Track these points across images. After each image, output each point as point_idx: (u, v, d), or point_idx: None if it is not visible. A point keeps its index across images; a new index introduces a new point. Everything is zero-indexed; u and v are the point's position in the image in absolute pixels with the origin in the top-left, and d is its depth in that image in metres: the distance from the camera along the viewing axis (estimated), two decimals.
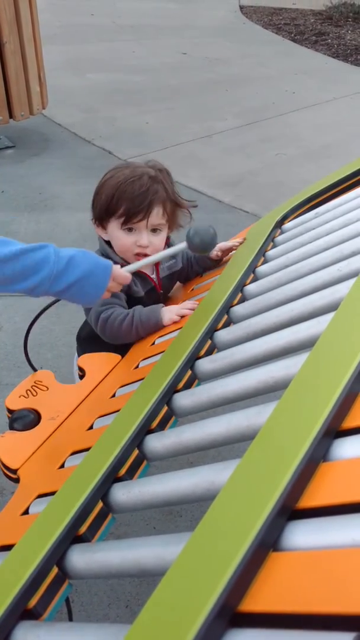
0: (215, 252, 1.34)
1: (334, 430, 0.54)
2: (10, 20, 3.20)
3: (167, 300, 1.37)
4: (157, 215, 1.22)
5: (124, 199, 1.20)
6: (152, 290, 1.30)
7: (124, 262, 1.20)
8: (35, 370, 1.15)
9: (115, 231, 1.24)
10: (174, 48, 5.93)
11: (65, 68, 5.11)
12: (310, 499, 0.48)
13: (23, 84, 3.43)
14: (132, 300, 1.24)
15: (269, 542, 0.45)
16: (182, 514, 1.52)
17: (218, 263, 1.38)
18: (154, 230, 1.24)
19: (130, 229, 1.22)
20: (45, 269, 0.89)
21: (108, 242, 1.28)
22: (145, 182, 1.21)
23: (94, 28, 6.42)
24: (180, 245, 1.11)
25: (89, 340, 1.30)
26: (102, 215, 1.24)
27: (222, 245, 1.35)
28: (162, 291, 1.34)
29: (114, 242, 1.26)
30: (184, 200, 1.31)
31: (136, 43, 6.03)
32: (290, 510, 0.48)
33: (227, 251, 1.36)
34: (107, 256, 1.21)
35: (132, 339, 1.17)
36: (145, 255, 1.22)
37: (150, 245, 1.23)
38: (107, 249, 1.27)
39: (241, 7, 7.63)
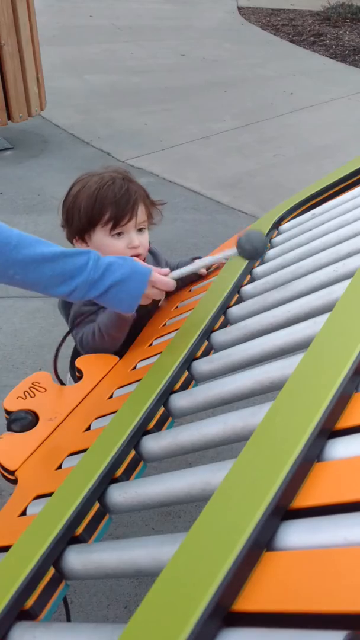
0: (202, 270, 1.32)
1: (328, 431, 0.55)
2: (8, 22, 3.21)
3: (157, 310, 1.35)
4: (142, 214, 1.21)
5: (107, 204, 1.16)
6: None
7: None
8: (63, 384, 1.15)
9: (103, 239, 1.19)
10: (172, 49, 5.94)
11: (64, 70, 5.12)
12: (304, 499, 0.48)
13: (21, 86, 3.43)
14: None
15: (262, 542, 0.46)
16: (181, 514, 1.52)
17: (202, 277, 1.37)
18: (140, 229, 1.22)
19: (119, 234, 1.19)
20: (82, 275, 0.89)
21: None
22: (121, 183, 1.19)
23: (92, 29, 6.44)
24: (230, 251, 1.03)
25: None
26: (83, 227, 1.20)
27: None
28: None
29: (104, 250, 1.17)
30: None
31: (134, 44, 6.04)
32: (284, 510, 0.48)
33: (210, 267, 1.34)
34: None
35: (116, 341, 1.15)
36: (138, 256, 1.20)
37: (140, 245, 1.21)
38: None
39: (239, 8, 7.65)
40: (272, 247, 1.32)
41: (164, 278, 1.01)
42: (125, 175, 1.24)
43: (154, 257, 1.33)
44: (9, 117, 3.45)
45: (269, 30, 6.83)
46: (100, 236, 1.19)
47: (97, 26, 6.57)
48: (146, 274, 0.96)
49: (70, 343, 1.47)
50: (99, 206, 1.17)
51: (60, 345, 1.18)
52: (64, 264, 0.88)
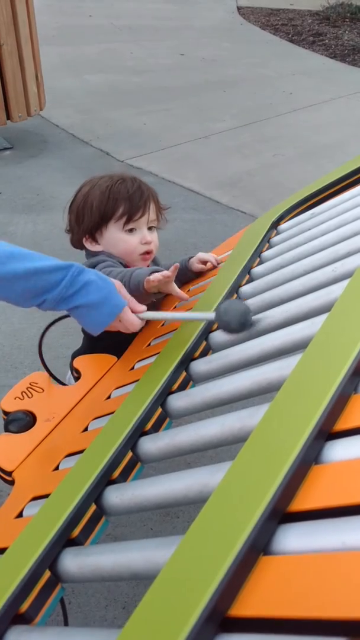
0: (196, 265, 1.33)
1: (326, 433, 0.54)
2: (7, 21, 3.20)
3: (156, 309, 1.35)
4: (153, 211, 1.21)
5: (121, 198, 1.17)
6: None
7: (122, 265, 1.20)
8: (56, 379, 1.14)
9: (116, 234, 1.19)
10: (172, 49, 5.93)
11: (63, 69, 5.12)
12: (302, 502, 0.48)
13: (20, 85, 3.43)
14: None
15: (259, 545, 0.45)
16: (179, 515, 1.51)
17: (199, 276, 1.37)
18: (150, 228, 1.23)
19: (131, 230, 1.19)
20: (54, 292, 0.88)
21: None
22: (132, 181, 1.20)
23: (91, 29, 6.43)
24: (209, 315, 0.93)
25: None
26: (95, 224, 1.20)
27: (201, 256, 1.34)
28: (154, 300, 1.32)
29: (116, 246, 1.21)
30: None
31: (134, 44, 6.03)
32: (281, 513, 0.48)
33: (204, 262, 1.33)
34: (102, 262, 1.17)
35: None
36: (150, 252, 1.21)
37: (152, 242, 1.21)
38: (104, 257, 1.19)
39: (239, 8, 7.64)
40: (270, 246, 1.31)
41: (132, 317, 0.95)
42: (134, 176, 1.24)
43: (154, 261, 1.33)
44: (8, 117, 3.44)
45: (269, 30, 6.82)
46: (113, 231, 1.19)
47: (97, 26, 6.56)
48: (119, 306, 0.92)
49: (72, 345, 1.46)
50: (112, 201, 1.17)
51: (44, 333, 1.16)
52: (36, 281, 0.86)
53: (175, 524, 1.49)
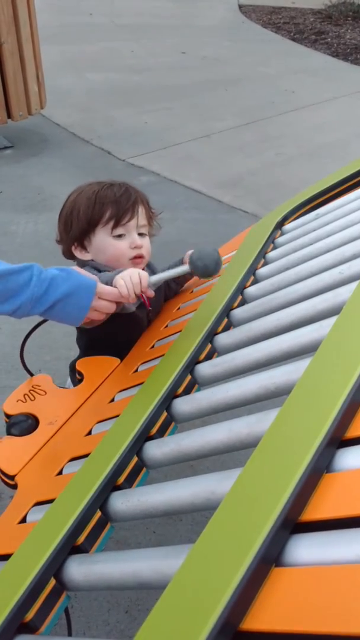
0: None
1: (338, 440, 0.53)
2: (8, 20, 3.18)
3: (155, 318, 1.32)
4: (142, 215, 1.18)
5: (107, 203, 1.14)
6: (142, 306, 1.24)
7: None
8: (31, 374, 1.13)
9: (104, 240, 1.15)
10: (173, 47, 5.92)
11: (64, 68, 5.10)
12: (314, 511, 0.47)
13: (21, 84, 3.41)
14: (121, 317, 1.13)
15: (271, 557, 0.44)
16: (182, 517, 1.50)
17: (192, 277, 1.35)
18: (140, 234, 1.18)
19: (120, 235, 1.15)
20: (26, 292, 0.87)
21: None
22: (120, 185, 1.17)
23: (92, 28, 6.41)
24: (183, 268, 1.02)
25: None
26: (83, 230, 1.16)
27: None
28: (150, 308, 1.28)
29: (105, 252, 1.16)
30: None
31: (135, 42, 6.02)
32: (293, 523, 0.47)
33: None
34: (98, 269, 1.14)
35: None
36: (141, 257, 1.17)
37: (143, 246, 1.17)
38: (94, 264, 1.17)
39: (240, 6, 7.62)
40: (275, 247, 1.30)
41: (109, 288, 0.97)
42: (123, 182, 1.21)
43: (149, 267, 1.27)
44: (9, 116, 3.43)
45: (270, 29, 6.80)
46: (102, 237, 1.15)
47: (98, 24, 6.55)
48: (92, 285, 0.93)
49: (74, 345, 1.45)
50: (99, 206, 1.14)
51: (30, 332, 1.12)
52: (5, 282, 0.85)
53: (178, 527, 1.48)
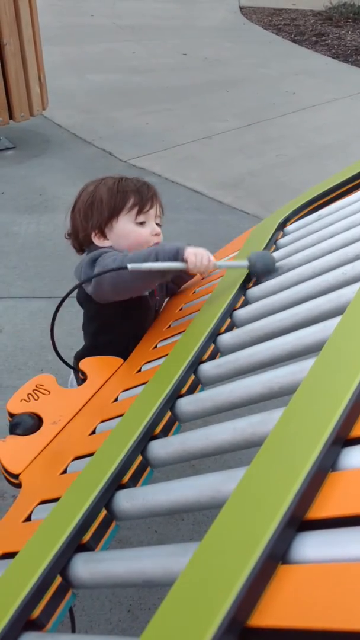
0: None
1: (343, 439, 0.53)
2: (10, 21, 3.19)
3: (160, 310, 1.34)
4: (159, 207, 1.24)
5: (130, 191, 1.19)
6: (151, 293, 1.28)
7: None
8: (71, 367, 1.15)
9: (127, 227, 1.20)
10: (174, 49, 5.93)
11: (65, 69, 5.11)
12: (320, 509, 0.47)
13: (23, 85, 3.42)
14: (134, 301, 1.18)
15: (278, 554, 0.44)
16: (185, 517, 1.51)
17: (192, 277, 1.38)
18: (157, 224, 1.24)
19: (142, 223, 1.20)
20: None
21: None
22: (138, 178, 1.23)
23: (93, 29, 6.42)
24: (242, 263, 1.13)
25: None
26: (105, 218, 1.20)
27: None
28: (157, 298, 1.32)
29: (128, 238, 1.20)
30: None
31: (136, 44, 6.03)
32: (299, 521, 0.47)
33: None
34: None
35: (131, 285, 1.09)
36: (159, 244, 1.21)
37: (161, 234, 1.23)
38: (111, 251, 1.18)
39: (241, 8, 7.64)
40: (277, 248, 1.31)
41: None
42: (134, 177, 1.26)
43: None
44: (11, 117, 3.44)
45: (271, 30, 6.81)
46: (124, 223, 1.20)
47: (99, 25, 6.56)
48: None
49: (75, 346, 1.46)
50: (121, 194, 1.19)
51: (57, 309, 1.11)
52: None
53: (180, 527, 1.48)
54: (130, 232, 1.20)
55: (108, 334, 1.25)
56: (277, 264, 1.15)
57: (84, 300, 1.25)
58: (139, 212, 1.19)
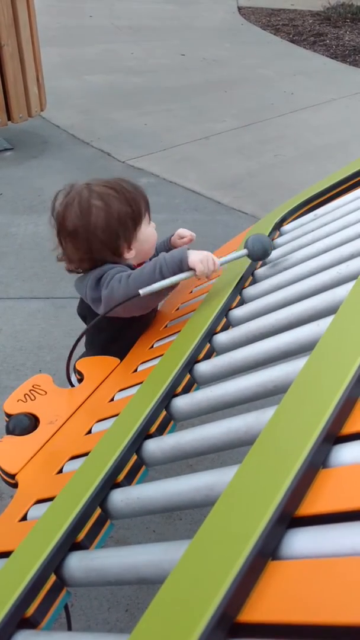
0: (179, 242, 1.37)
1: (334, 436, 0.54)
2: (8, 22, 3.20)
3: (158, 312, 1.34)
4: None
5: (136, 197, 1.19)
6: None
7: (130, 267, 1.19)
8: (73, 386, 1.13)
9: (146, 230, 1.21)
10: (173, 49, 5.93)
11: (64, 70, 5.11)
12: (310, 506, 0.48)
13: (21, 86, 3.42)
14: None
15: (268, 550, 0.45)
16: (182, 517, 1.51)
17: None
18: None
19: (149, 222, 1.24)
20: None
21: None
22: (117, 180, 1.22)
23: (92, 30, 6.43)
24: (241, 252, 1.14)
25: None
26: (131, 230, 1.17)
27: (180, 232, 1.37)
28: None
29: (149, 240, 1.23)
30: None
31: (134, 44, 6.03)
32: (289, 517, 0.47)
33: (182, 237, 1.37)
34: (130, 268, 1.18)
35: (154, 281, 1.06)
36: None
37: None
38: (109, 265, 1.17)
39: (239, 8, 7.64)
40: (274, 248, 1.31)
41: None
42: (116, 178, 1.25)
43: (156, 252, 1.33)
44: (9, 118, 3.44)
45: (269, 30, 6.82)
46: (144, 228, 1.20)
47: (97, 26, 6.56)
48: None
49: (70, 346, 1.46)
50: (134, 202, 1.17)
51: (74, 346, 1.12)
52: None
53: (177, 526, 1.49)
54: (150, 235, 1.23)
55: (119, 342, 1.23)
56: (273, 263, 1.16)
57: (90, 314, 1.22)
58: (149, 216, 1.22)
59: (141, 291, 1.03)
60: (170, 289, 1.12)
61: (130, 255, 1.20)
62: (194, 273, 1.06)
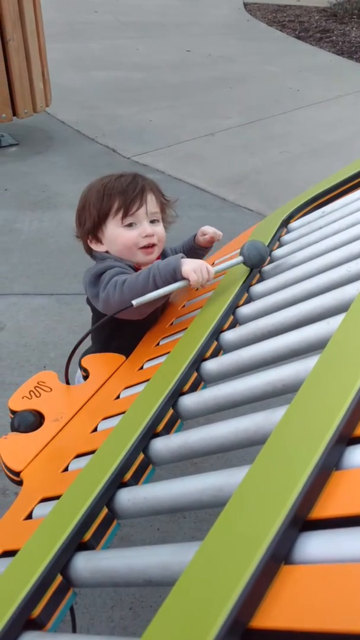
0: (202, 239, 1.33)
1: (347, 437, 0.53)
2: (14, 17, 3.18)
3: (168, 304, 1.33)
4: (152, 202, 1.18)
5: (115, 193, 1.15)
6: None
7: (132, 267, 1.18)
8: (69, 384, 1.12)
9: (115, 231, 1.16)
10: (178, 45, 5.91)
11: (69, 66, 5.10)
12: (323, 509, 0.46)
13: (27, 82, 3.41)
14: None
15: (281, 554, 0.44)
16: (186, 515, 1.50)
17: (208, 251, 1.37)
18: (152, 221, 1.19)
19: (130, 225, 1.16)
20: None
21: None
22: (129, 175, 1.19)
23: (97, 25, 6.41)
24: (237, 259, 1.11)
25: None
26: (95, 223, 1.18)
27: (203, 229, 1.33)
28: None
29: (116, 243, 1.17)
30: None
31: (139, 40, 6.01)
32: (302, 520, 0.46)
33: (205, 234, 1.33)
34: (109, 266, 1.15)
35: (148, 290, 1.06)
36: (154, 245, 1.18)
37: (155, 234, 1.18)
38: (112, 262, 1.17)
39: (245, 4, 7.61)
40: (281, 245, 1.30)
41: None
42: (135, 172, 1.23)
43: (163, 255, 1.31)
44: (15, 113, 3.43)
45: (275, 27, 6.79)
46: (112, 228, 1.17)
47: (103, 22, 6.54)
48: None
49: (74, 342, 1.45)
50: (107, 197, 1.16)
51: (75, 348, 1.10)
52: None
53: (182, 525, 1.48)
54: (118, 237, 1.16)
55: (119, 339, 1.23)
56: (280, 261, 1.15)
57: (93, 308, 1.24)
58: (124, 215, 1.15)
59: (134, 302, 1.02)
60: (163, 299, 1.11)
61: (99, 248, 1.20)
62: (188, 282, 1.04)
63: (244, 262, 1.11)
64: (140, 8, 7.14)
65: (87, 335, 1.11)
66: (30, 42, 3.35)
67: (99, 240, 1.20)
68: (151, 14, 6.97)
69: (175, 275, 1.04)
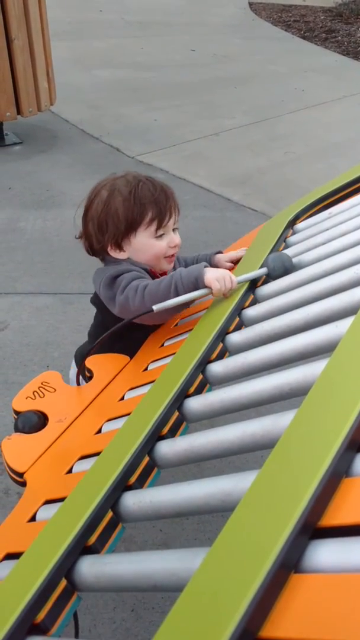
0: (228, 264, 1.31)
1: (357, 443, 0.52)
2: (18, 16, 3.18)
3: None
4: (176, 211, 1.18)
5: (147, 203, 1.13)
6: None
7: (148, 272, 1.17)
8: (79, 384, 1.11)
9: (148, 241, 1.15)
10: (183, 45, 5.90)
11: (74, 64, 5.10)
12: (333, 516, 0.46)
13: (31, 80, 3.41)
14: None
15: (290, 562, 0.43)
16: (189, 517, 1.50)
17: None
18: (174, 229, 1.19)
19: (160, 236, 1.16)
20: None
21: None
22: (153, 182, 1.16)
23: (102, 24, 6.41)
24: (262, 270, 1.11)
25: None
26: (122, 232, 1.14)
27: (232, 256, 1.31)
28: None
29: (146, 252, 1.16)
30: None
31: (144, 40, 6.00)
32: (312, 528, 0.45)
33: (237, 261, 1.31)
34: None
35: (169, 297, 1.05)
36: (175, 254, 1.19)
37: (179, 244, 1.19)
38: (128, 266, 1.16)
39: (250, 4, 7.60)
40: (287, 246, 1.29)
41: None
42: (148, 176, 1.19)
43: (178, 262, 1.30)
44: (19, 112, 3.43)
45: (280, 27, 6.77)
46: (143, 238, 1.15)
47: (107, 21, 6.54)
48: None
49: (82, 342, 1.44)
50: (138, 207, 1.12)
51: (92, 348, 1.07)
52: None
53: (184, 526, 1.47)
54: (150, 247, 1.16)
55: (124, 340, 1.22)
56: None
57: (99, 308, 1.22)
58: (158, 227, 1.14)
59: (155, 307, 1.01)
60: (184, 307, 1.10)
61: (118, 255, 1.18)
62: (210, 291, 1.04)
63: (268, 274, 1.11)
64: (145, 7, 7.13)
65: (102, 340, 1.08)
66: (35, 40, 3.35)
67: (120, 248, 1.17)
68: (156, 13, 6.96)
69: (197, 283, 1.04)
